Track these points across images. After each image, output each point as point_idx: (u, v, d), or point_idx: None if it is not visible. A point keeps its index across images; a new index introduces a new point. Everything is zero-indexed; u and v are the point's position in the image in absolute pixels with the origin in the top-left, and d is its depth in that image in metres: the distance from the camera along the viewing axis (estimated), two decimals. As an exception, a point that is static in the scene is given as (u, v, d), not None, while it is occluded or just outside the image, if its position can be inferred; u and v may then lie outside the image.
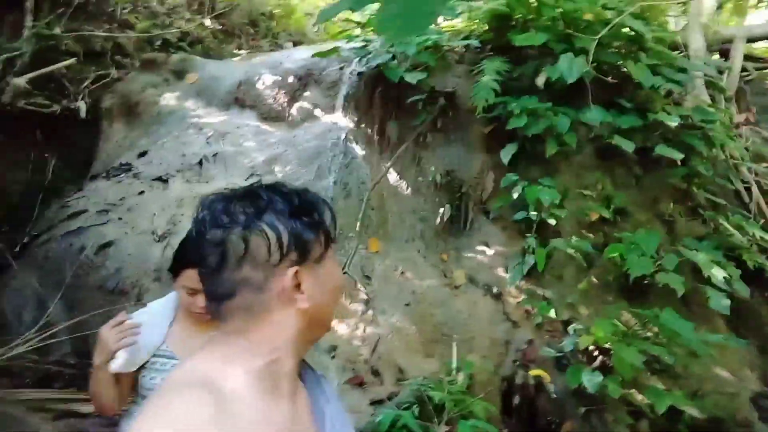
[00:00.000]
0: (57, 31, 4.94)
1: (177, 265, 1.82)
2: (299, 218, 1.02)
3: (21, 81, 4.52)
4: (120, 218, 3.57)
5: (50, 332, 3.03)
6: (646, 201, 4.37)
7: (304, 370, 1.13)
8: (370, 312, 3.66)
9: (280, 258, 0.99)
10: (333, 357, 3.32)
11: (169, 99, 5.19)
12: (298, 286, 1.00)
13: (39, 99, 4.86)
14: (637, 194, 4.37)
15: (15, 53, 4.58)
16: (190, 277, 1.76)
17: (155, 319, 1.90)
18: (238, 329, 1.00)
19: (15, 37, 4.75)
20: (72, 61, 4.97)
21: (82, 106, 5.12)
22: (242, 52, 6.78)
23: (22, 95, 4.61)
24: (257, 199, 1.02)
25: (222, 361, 0.97)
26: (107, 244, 3.38)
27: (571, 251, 3.98)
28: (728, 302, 3.54)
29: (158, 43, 6.10)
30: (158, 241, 3.45)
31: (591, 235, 4.19)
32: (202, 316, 1.81)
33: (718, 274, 3.67)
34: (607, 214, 4.13)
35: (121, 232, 3.47)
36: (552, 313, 3.86)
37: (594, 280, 4.06)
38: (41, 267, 3.38)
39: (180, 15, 6.51)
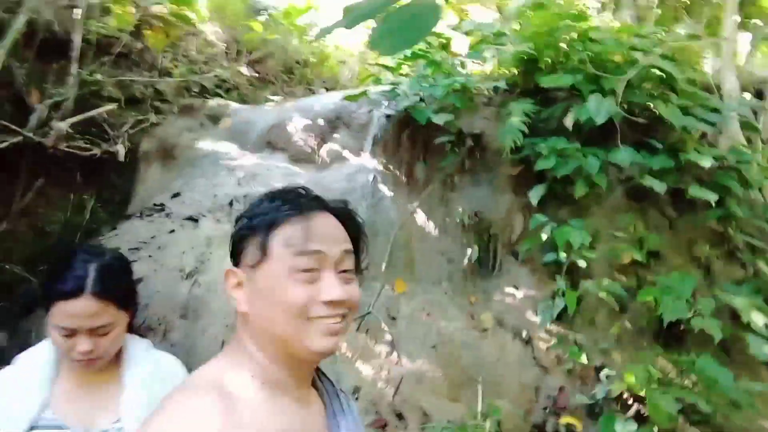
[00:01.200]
0: (99, 77, 5.16)
1: (49, 295, 1.41)
2: (249, 220, 1.07)
3: (63, 125, 4.70)
4: (150, 256, 3.64)
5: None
6: (680, 244, 4.25)
7: (323, 382, 1.16)
8: (394, 354, 3.60)
9: (233, 260, 1.09)
10: (356, 398, 3.26)
11: (203, 143, 5.33)
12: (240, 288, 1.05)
13: (80, 142, 5.04)
14: (671, 237, 4.26)
15: (59, 98, 4.78)
16: (63, 311, 1.39)
17: (29, 377, 1.47)
18: (239, 334, 1.07)
19: (60, 83, 4.98)
20: (113, 106, 5.17)
21: (121, 149, 5.28)
22: (276, 97, 6.96)
23: (64, 138, 4.79)
24: (257, 202, 1.10)
25: (229, 364, 1.02)
26: (137, 281, 3.43)
27: (602, 294, 3.87)
28: (770, 349, 3.39)
29: (196, 89, 6.32)
30: (186, 278, 3.50)
31: (623, 278, 4.08)
32: (86, 364, 1.44)
33: (758, 319, 3.52)
34: (639, 257, 4.02)
35: (151, 269, 3.53)
36: (583, 359, 3.74)
37: (627, 324, 3.94)
38: (72, 303, 3.45)
39: (217, 63, 6.74)
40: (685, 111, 4.41)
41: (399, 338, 3.69)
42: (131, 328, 1.64)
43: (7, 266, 4.40)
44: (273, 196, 1.09)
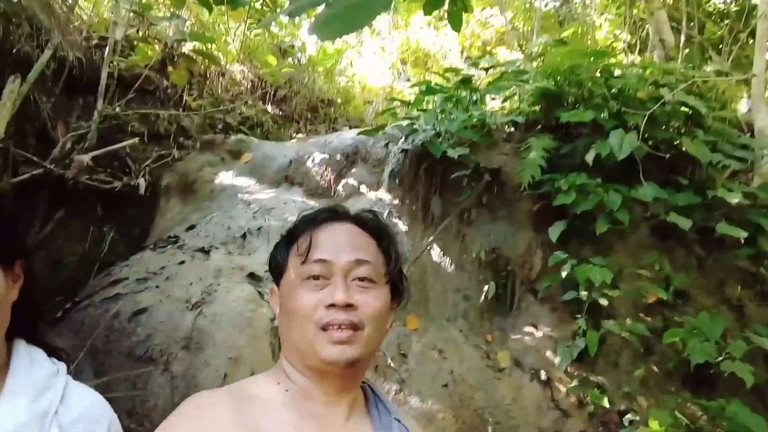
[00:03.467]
0: (120, 111, 5.25)
1: None
2: (283, 237, 1.14)
3: (85, 158, 4.77)
4: (157, 286, 3.60)
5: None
6: (709, 283, 4.04)
7: (379, 411, 1.12)
8: (404, 393, 3.44)
9: (272, 277, 1.14)
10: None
11: (223, 177, 5.36)
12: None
13: (102, 175, 5.11)
14: (699, 276, 4.06)
15: (82, 131, 4.87)
16: None
17: None
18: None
19: (85, 117, 5.08)
20: (135, 140, 5.24)
21: (141, 183, 5.34)
22: (300, 135, 7.02)
23: (86, 171, 4.85)
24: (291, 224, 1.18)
25: (263, 375, 1.09)
26: (141, 311, 3.39)
27: (626, 335, 3.67)
28: (807, 396, 3.14)
29: (220, 126, 6.40)
30: (191, 309, 3.43)
31: (648, 318, 3.88)
32: None
33: (794, 364, 3.28)
34: (665, 297, 3.83)
35: (156, 300, 3.48)
36: (606, 402, 3.52)
37: (653, 367, 3.72)
38: (78, 332, 3.41)
39: (243, 101, 6.85)
40: (713, 147, 4.27)
41: (409, 377, 3.54)
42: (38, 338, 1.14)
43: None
44: (302, 216, 1.15)
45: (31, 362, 1.07)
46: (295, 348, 1.05)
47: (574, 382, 3.69)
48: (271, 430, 0.96)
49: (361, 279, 1.05)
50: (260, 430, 0.95)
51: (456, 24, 2.56)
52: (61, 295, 4.59)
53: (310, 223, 1.11)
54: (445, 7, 2.81)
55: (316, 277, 1.04)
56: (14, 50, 4.52)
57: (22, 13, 4.86)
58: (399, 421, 1.11)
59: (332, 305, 1.00)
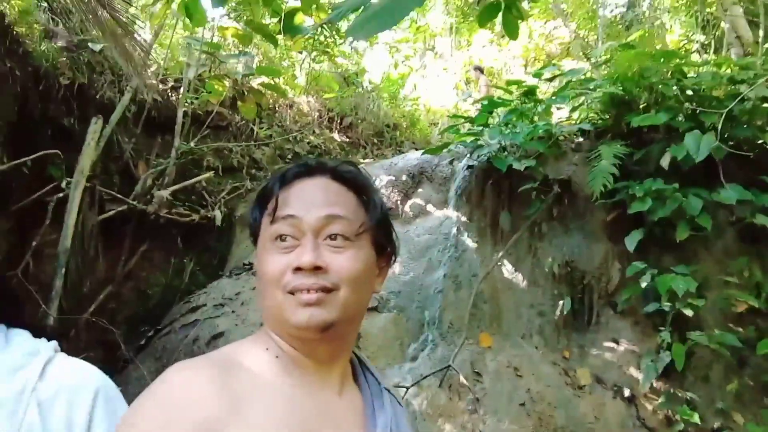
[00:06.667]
0: (199, 147, 5.50)
1: None
2: (257, 197, 1.01)
3: (165, 193, 5.03)
4: (233, 311, 3.71)
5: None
6: (807, 288, 3.74)
7: (367, 379, 1.06)
8: (480, 412, 3.37)
9: (253, 239, 1.01)
10: (437, 459, 3.06)
11: (294, 204, 5.48)
12: None
13: (180, 209, 5.36)
14: (794, 281, 3.77)
15: (161, 168, 5.14)
16: None
17: None
18: None
19: (164, 155, 5.37)
20: (210, 174, 5.48)
21: (218, 214, 5.56)
22: (368, 160, 7.12)
23: (166, 206, 5.11)
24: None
25: (249, 341, 0.98)
26: (218, 335, 3.50)
27: (715, 347, 3.45)
28: None
29: (289, 156, 6.60)
30: (265, 332, 3.51)
31: (740, 328, 3.63)
32: None
33: None
34: (757, 304, 3.58)
35: (233, 324, 3.59)
36: (697, 419, 3.31)
37: (748, 381, 3.47)
38: (159, 357, 3.56)
39: (310, 130, 7.04)
40: (801, 142, 4.01)
41: (484, 395, 3.45)
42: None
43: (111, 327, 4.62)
44: (275, 173, 1.04)
45: (6, 343, 1.03)
46: (270, 315, 0.96)
47: (661, 399, 3.49)
48: (263, 402, 0.86)
49: (333, 237, 0.94)
50: (251, 401, 0.85)
51: (512, 32, 2.55)
52: (148, 323, 4.83)
53: (280, 179, 1.00)
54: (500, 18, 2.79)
55: (283, 238, 0.93)
56: (98, 95, 4.87)
57: (104, 62, 5.24)
58: (388, 390, 1.05)
59: (299, 269, 0.90)
